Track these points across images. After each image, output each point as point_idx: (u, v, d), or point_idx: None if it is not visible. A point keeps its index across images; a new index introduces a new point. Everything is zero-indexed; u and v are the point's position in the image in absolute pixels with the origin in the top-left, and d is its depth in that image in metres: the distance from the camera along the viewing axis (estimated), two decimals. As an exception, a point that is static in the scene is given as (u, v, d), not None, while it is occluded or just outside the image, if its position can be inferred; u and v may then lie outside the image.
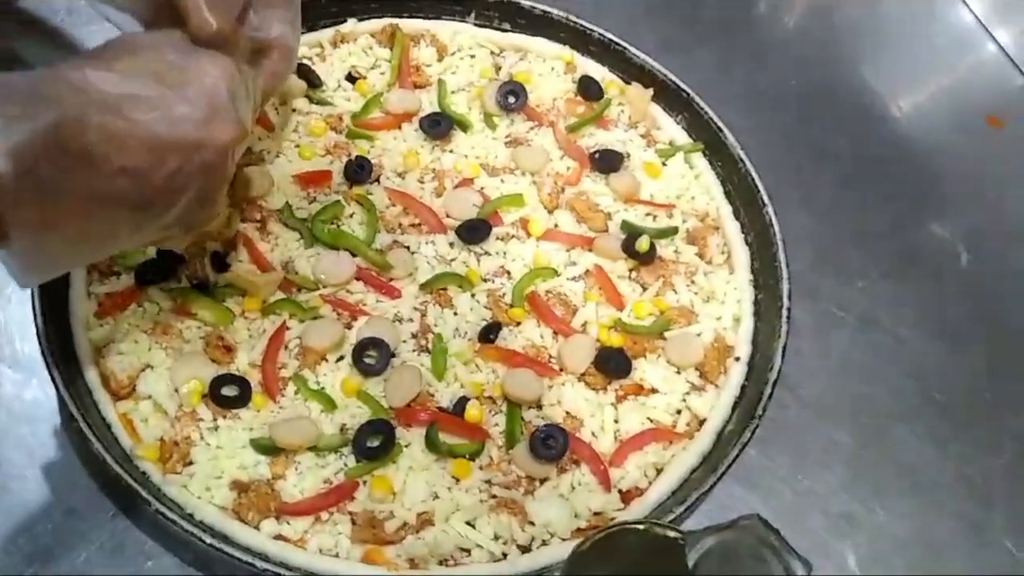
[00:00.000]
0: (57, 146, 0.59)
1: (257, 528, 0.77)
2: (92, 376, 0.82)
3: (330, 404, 0.84)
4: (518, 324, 0.91)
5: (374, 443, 0.81)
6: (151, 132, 0.64)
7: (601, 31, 1.10)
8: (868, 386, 1.00)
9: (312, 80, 1.02)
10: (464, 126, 1.03)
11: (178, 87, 0.66)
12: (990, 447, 0.97)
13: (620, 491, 0.84)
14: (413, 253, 0.93)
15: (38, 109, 0.58)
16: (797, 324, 0.92)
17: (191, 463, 0.80)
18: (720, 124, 1.04)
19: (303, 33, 1.05)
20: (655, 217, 1.01)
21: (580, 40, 1.11)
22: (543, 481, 0.83)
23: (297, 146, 0.98)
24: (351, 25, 1.08)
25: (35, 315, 0.81)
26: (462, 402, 0.85)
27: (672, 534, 0.62)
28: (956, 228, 1.13)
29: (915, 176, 1.18)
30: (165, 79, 0.66)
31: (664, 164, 1.05)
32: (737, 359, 0.92)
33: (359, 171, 0.96)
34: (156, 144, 0.64)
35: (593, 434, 0.86)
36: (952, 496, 0.94)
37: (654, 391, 0.89)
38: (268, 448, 0.81)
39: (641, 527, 0.67)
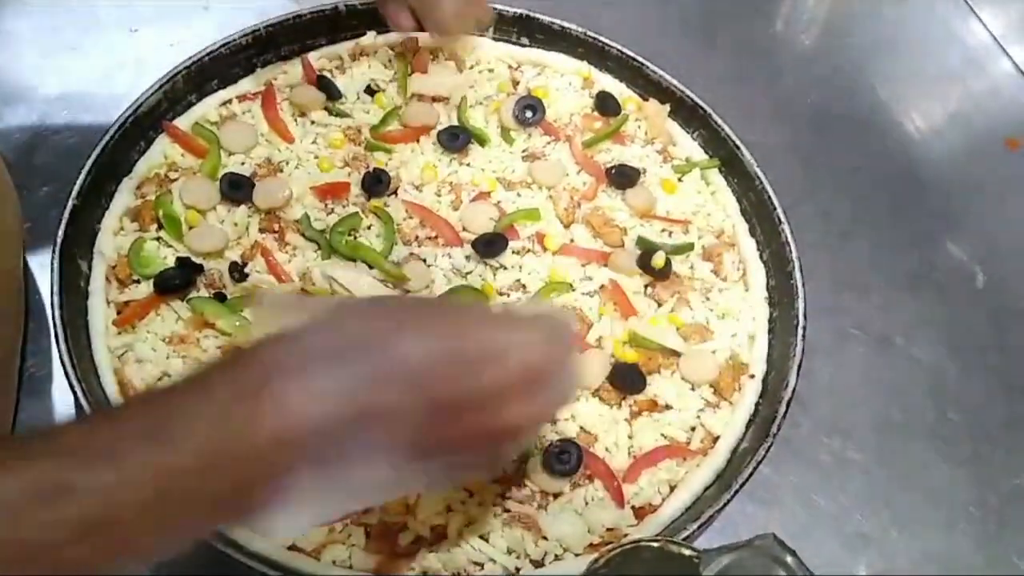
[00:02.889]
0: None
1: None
2: (110, 383, 0.82)
3: (345, 415, 0.84)
4: (533, 338, 0.91)
5: (389, 455, 0.81)
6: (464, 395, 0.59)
7: (619, 47, 1.10)
8: (882, 405, 0.99)
9: (331, 92, 1.03)
10: (481, 140, 1.04)
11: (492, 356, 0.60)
12: (1005, 467, 0.97)
13: (633, 507, 0.84)
14: (429, 266, 0.94)
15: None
16: (811, 342, 0.92)
17: (207, 472, 0.80)
18: (737, 141, 1.04)
19: (322, 46, 1.07)
20: (671, 233, 1.01)
21: (598, 56, 1.11)
22: (557, 496, 0.83)
23: (316, 157, 0.99)
24: (371, 38, 1.08)
25: (54, 322, 0.82)
26: (477, 415, 0.85)
27: (688, 552, 0.62)
28: (972, 248, 1.12)
29: (932, 195, 1.17)
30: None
31: (680, 180, 1.05)
32: (752, 376, 0.92)
33: (377, 183, 0.97)
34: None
35: (607, 450, 0.86)
36: (966, 516, 0.93)
37: (668, 407, 0.89)
38: (283, 458, 0.81)
39: (656, 544, 0.67)
